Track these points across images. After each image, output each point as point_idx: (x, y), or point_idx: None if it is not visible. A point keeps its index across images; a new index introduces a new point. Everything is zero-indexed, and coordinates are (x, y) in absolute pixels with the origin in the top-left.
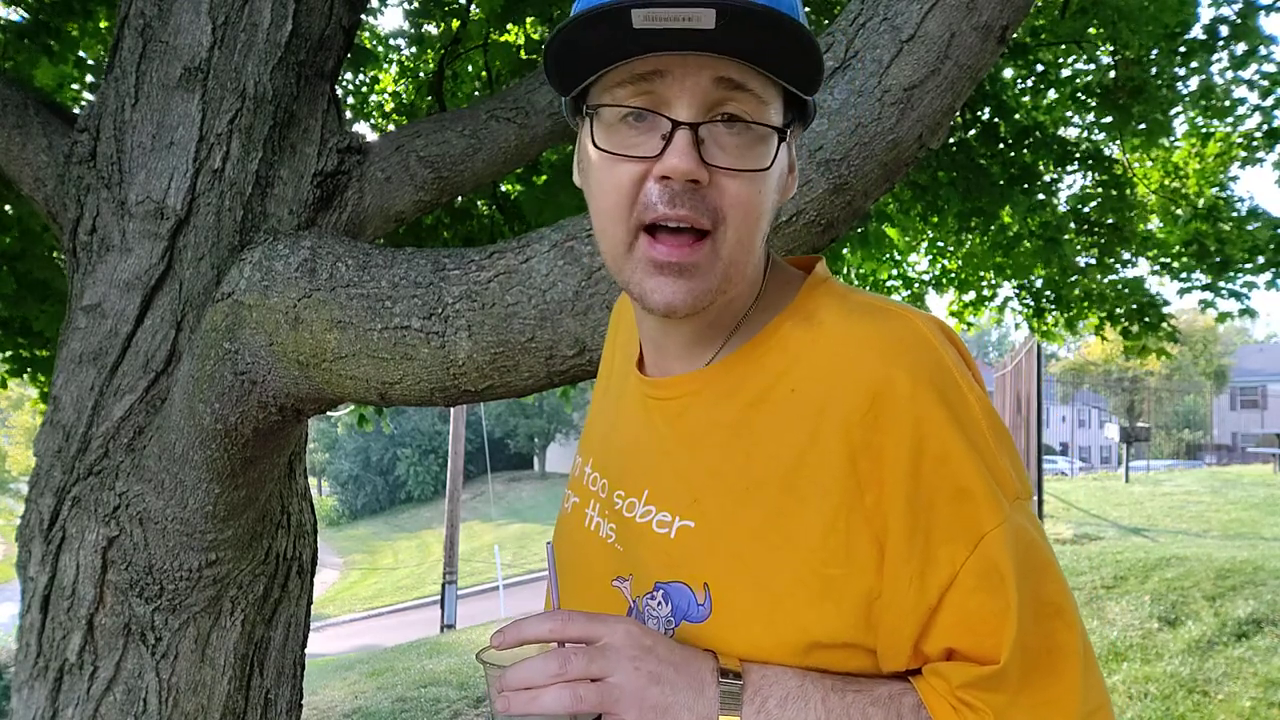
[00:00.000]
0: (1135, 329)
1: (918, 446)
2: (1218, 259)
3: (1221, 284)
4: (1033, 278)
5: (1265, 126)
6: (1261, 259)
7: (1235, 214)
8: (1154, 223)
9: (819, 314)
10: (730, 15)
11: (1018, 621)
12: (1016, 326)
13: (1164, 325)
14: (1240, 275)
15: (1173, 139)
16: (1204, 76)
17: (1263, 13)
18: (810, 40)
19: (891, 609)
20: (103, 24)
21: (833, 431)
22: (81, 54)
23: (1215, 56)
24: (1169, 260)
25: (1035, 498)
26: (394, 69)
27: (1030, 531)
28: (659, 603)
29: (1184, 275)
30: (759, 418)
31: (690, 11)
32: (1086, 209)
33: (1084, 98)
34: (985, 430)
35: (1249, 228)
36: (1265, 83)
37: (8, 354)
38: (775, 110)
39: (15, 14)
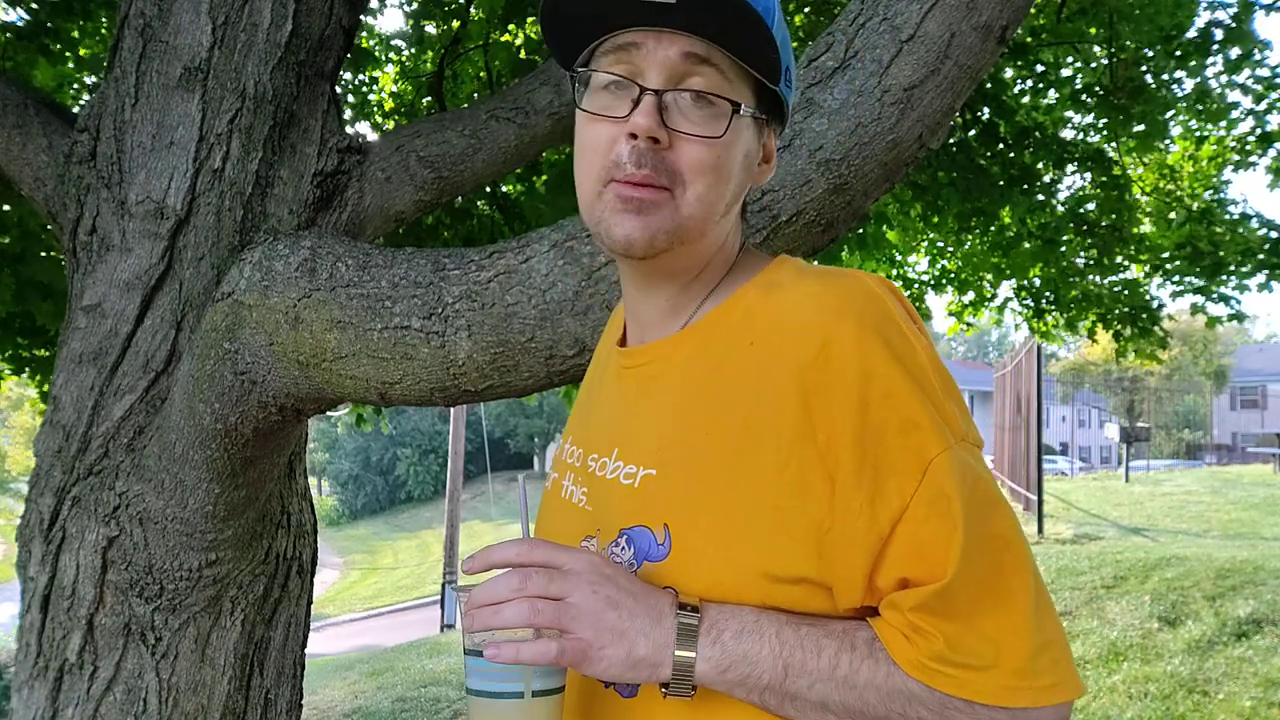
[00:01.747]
0: (1127, 332)
1: (864, 384)
2: (1210, 262)
3: (1214, 287)
4: (1032, 278)
5: (1258, 130)
6: (1254, 262)
7: (1229, 217)
8: (1146, 225)
9: (779, 280)
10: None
11: (963, 540)
12: (1016, 327)
13: (1156, 329)
14: (1233, 278)
15: (1167, 141)
16: (1199, 80)
17: (1262, 12)
18: (767, 28)
19: (843, 540)
20: (103, 29)
21: (787, 376)
22: (81, 54)
23: (1210, 60)
24: (1161, 263)
25: (1035, 497)
26: (394, 69)
27: (977, 468)
28: (622, 548)
29: (1177, 278)
30: (720, 371)
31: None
32: (1084, 210)
33: (1084, 98)
34: (931, 375)
35: (1241, 230)
36: (1259, 87)
37: (8, 354)
38: (740, 91)
39: (15, 14)
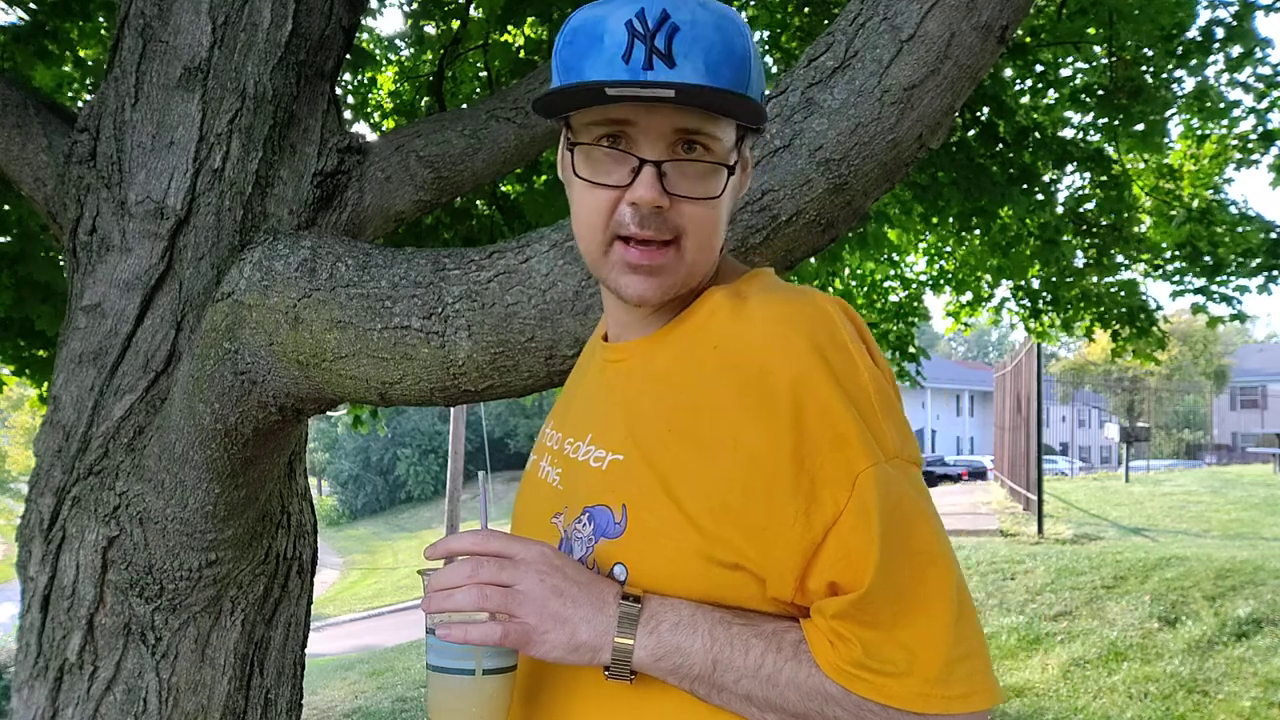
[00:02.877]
0: (1125, 333)
1: (803, 399)
2: (1210, 262)
3: (1214, 287)
4: (1030, 278)
5: (1260, 129)
6: (1255, 262)
7: (1229, 217)
8: (1146, 225)
9: (747, 293)
10: (685, 93)
11: (880, 552)
12: (1013, 327)
13: (1154, 330)
14: (1233, 278)
15: (1168, 141)
16: (1200, 79)
17: (1262, 12)
18: (754, 103)
19: (779, 541)
20: (102, 29)
21: (740, 385)
22: (81, 54)
23: (1211, 59)
24: (1162, 264)
25: (1035, 497)
26: (394, 69)
27: (904, 485)
28: (584, 524)
29: (1177, 278)
30: (686, 370)
31: (654, 91)
32: (1084, 210)
33: (1084, 98)
34: (871, 396)
35: (1241, 231)
36: (1260, 85)
37: (8, 354)
38: (726, 140)
39: (15, 15)
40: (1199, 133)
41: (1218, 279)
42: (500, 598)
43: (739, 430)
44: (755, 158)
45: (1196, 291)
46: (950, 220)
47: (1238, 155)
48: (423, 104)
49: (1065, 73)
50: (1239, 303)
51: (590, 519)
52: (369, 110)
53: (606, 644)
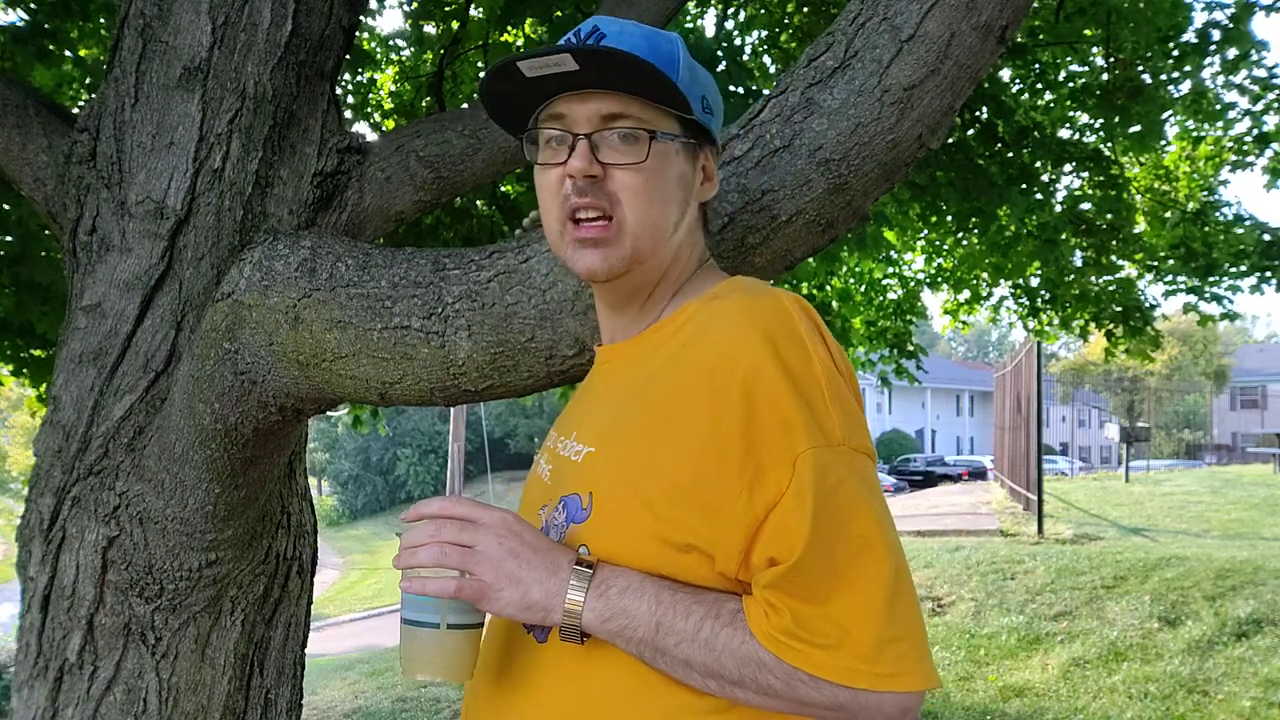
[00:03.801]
0: (1120, 331)
1: (754, 388)
2: (1203, 263)
3: (1206, 287)
4: (1028, 277)
5: (1255, 130)
6: (1247, 264)
7: (1222, 218)
8: (1141, 225)
9: (720, 295)
10: (585, 57)
11: (811, 528)
12: (1011, 326)
13: (1148, 329)
14: (1226, 279)
15: (1164, 142)
16: (1195, 80)
17: (1262, 13)
18: (656, 71)
19: (728, 519)
20: (101, 29)
21: (702, 376)
22: (81, 54)
23: (1207, 60)
24: (1156, 264)
25: (1035, 497)
26: (394, 69)
27: (844, 471)
28: (559, 512)
29: (1170, 278)
30: (656, 367)
31: (556, 58)
32: (1082, 209)
33: (1082, 98)
34: (822, 386)
35: (1236, 231)
36: (1256, 87)
37: (6, 354)
38: (658, 122)
39: (14, 15)
40: (1195, 134)
41: (1210, 280)
42: (459, 556)
43: (694, 418)
44: (739, 166)
45: (1189, 291)
46: (948, 220)
47: (1233, 157)
48: (423, 104)
49: (1063, 74)
50: (1230, 302)
51: (564, 506)
52: (369, 110)
53: (557, 605)
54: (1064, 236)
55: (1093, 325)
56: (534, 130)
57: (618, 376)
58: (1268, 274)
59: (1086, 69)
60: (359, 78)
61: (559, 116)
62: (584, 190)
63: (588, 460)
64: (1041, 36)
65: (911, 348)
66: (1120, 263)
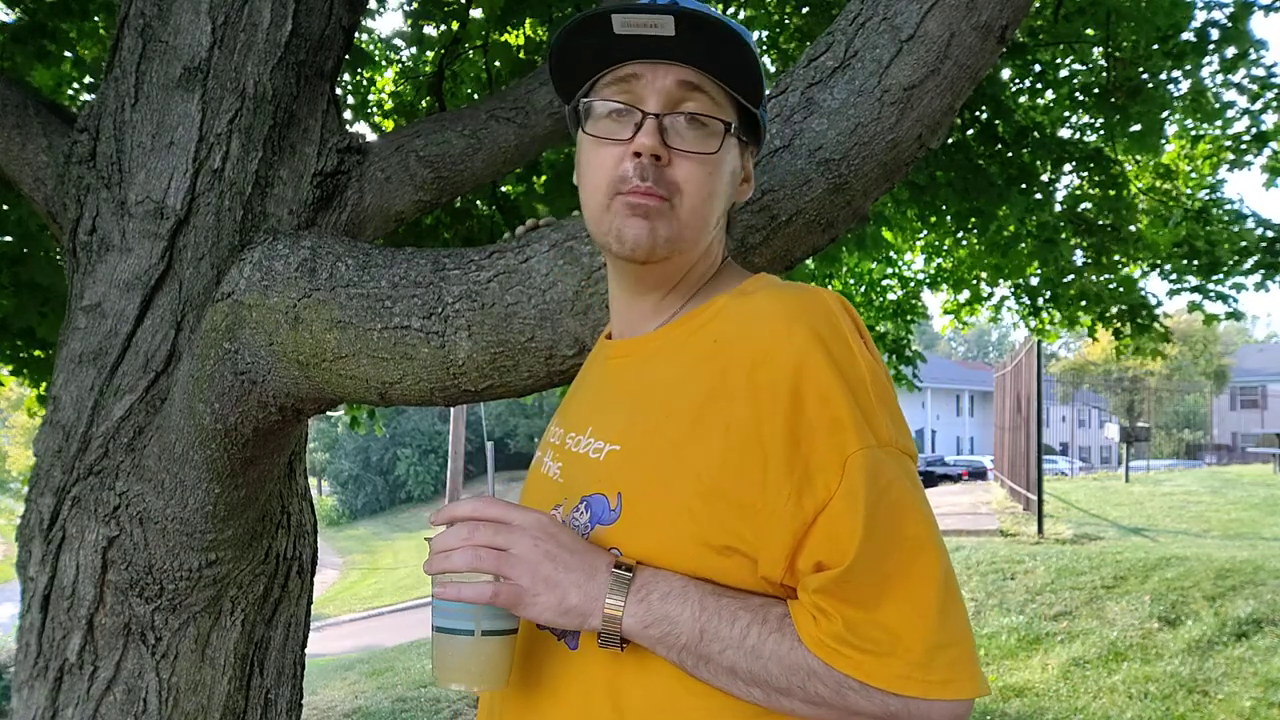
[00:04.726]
0: (1126, 329)
1: (801, 385)
2: (1206, 261)
3: (1210, 286)
4: (1029, 276)
5: (1254, 130)
6: (1251, 261)
7: (1224, 216)
8: (1142, 224)
9: (751, 290)
10: (687, 22)
11: (864, 531)
12: (1015, 325)
13: (1155, 326)
14: (1229, 277)
15: (1164, 141)
16: (1194, 80)
17: (1261, 12)
18: (752, 54)
19: (772, 522)
20: (100, 29)
21: (741, 372)
22: (80, 54)
23: (1206, 60)
24: (1158, 263)
25: (1035, 497)
26: (394, 69)
27: (895, 471)
28: (581, 512)
29: (1173, 276)
30: (685, 363)
31: (656, 18)
32: (1082, 209)
33: (1082, 98)
34: (868, 385)
35: (1237, 229)
36: (1254, 87)
37: (5, 354)
38: (728, 113)
39: (14, 15)
40: (1193, 133)
41: (1214, 278)
42: (494, 560)
43: (733, 416)
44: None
45: (1193, 290)
46: (948, 220)
47: (1231, 156)
48: (423, 104)
49: (1063, 73)
50: (1235, 301)
51: (587, 507)
52: (369, 110)
53: (596, 609)
54: (1064, 236)
55: (1099, 325)
56: (592, 100)
57: (635, 371)
58: (1271, 271)
59: (1086, 69)
60: (359, 78)
61: (630, 79)
62: (646, 173)
63: (612, 459)
64: (1041, 36)
65: (910, 354)
66: (1121, 261)
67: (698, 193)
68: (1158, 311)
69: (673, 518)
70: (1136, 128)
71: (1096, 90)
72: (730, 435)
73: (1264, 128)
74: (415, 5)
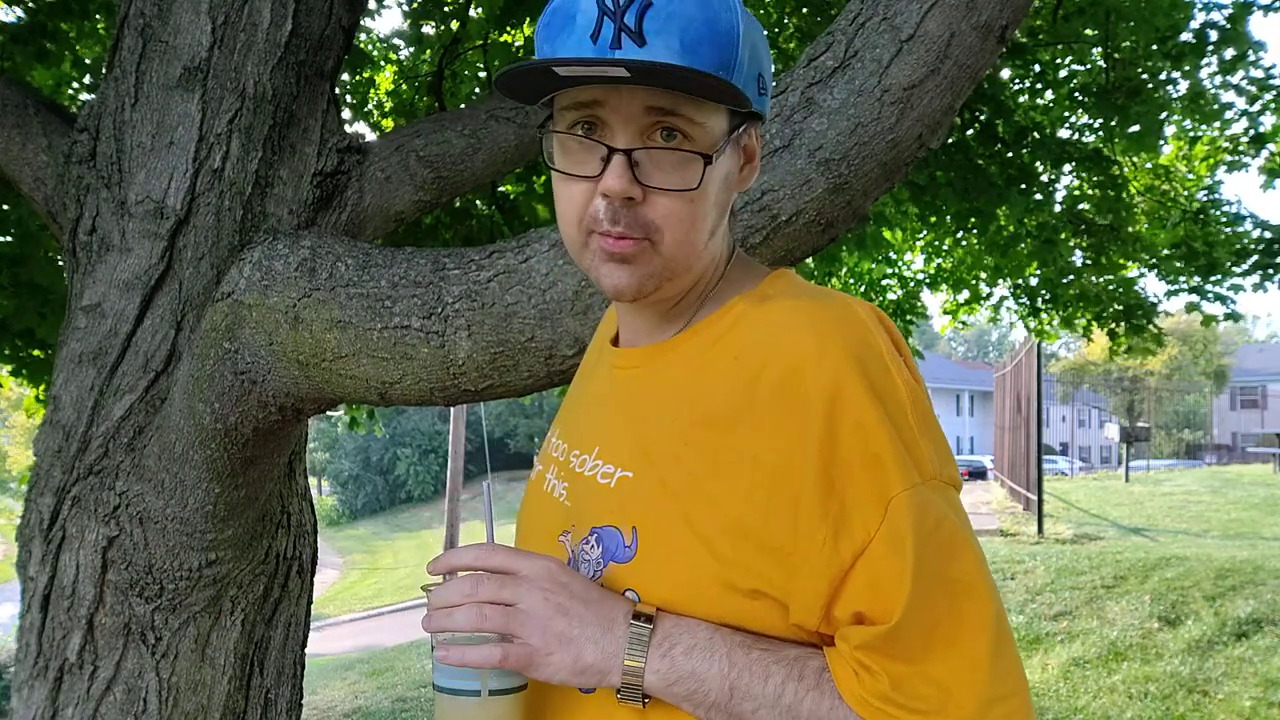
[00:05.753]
0: (1121, 330)
1: (836, 414)
2: (1205, 261)
3: (1208, 286)
4: (1028, 276)
5: (1251, 131)
6: (1248, 262)
7: (1222, 217)
8: (1141, 224)
9: (771, 295)
10: (640, 72)
11: (913, 583)
12: (1012, 325)
13: (1150, 327)
14: (1227, 278)
15: (1162, 142)
16: (1193, 80)
17: (1260, 13)
18: (731, 87)
19: (805, 567)
20: (100, 29)
21: (765, 397)
22: (80, 53)
23: (1204, 61)
24: (1157, 264)
25: (1035, 497)
26: (393, 69)
27: (942, 508)
28: (592, 546)
29: (1172, 277)
30: (704, 382)
31: (604, 70)
32: (1081, 209)
33: (1081, 98)
34: (908, 411)
35: (1235, 230)
36: (1252, 88)
37: (4, 355)
38: (712, 126)
39: (13, 15)
40: (1191, 134)
41: (1212, 278)
42: (501, 617)
43: (760, 446)
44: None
45: (1191, 290)
46: (947, 220)
47: (1229, 158)
48: (422, 104)
49: (1063, 74)
50: (1233, 302)
51: (599, 541)
52: (369, 110)
53: (615, 666)
54: (1063, 236)
55: (1095, 324)
56: (552, 132)
57: (643, 385)
58: (1270, 272)
59: (1086, 69)
60: (356, 78)
61: (589, 108)
62: (617, 217)
63: (625, 487)
64: (1041, 36)
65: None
66: (1120, 261)
67: (679, 228)
68: (1155, 312)
69: (694, 558)
70: (1135, 128)
71: (1096, 90)
72: (757, 470)
73: (1262, 129)
74: (415, 5)
